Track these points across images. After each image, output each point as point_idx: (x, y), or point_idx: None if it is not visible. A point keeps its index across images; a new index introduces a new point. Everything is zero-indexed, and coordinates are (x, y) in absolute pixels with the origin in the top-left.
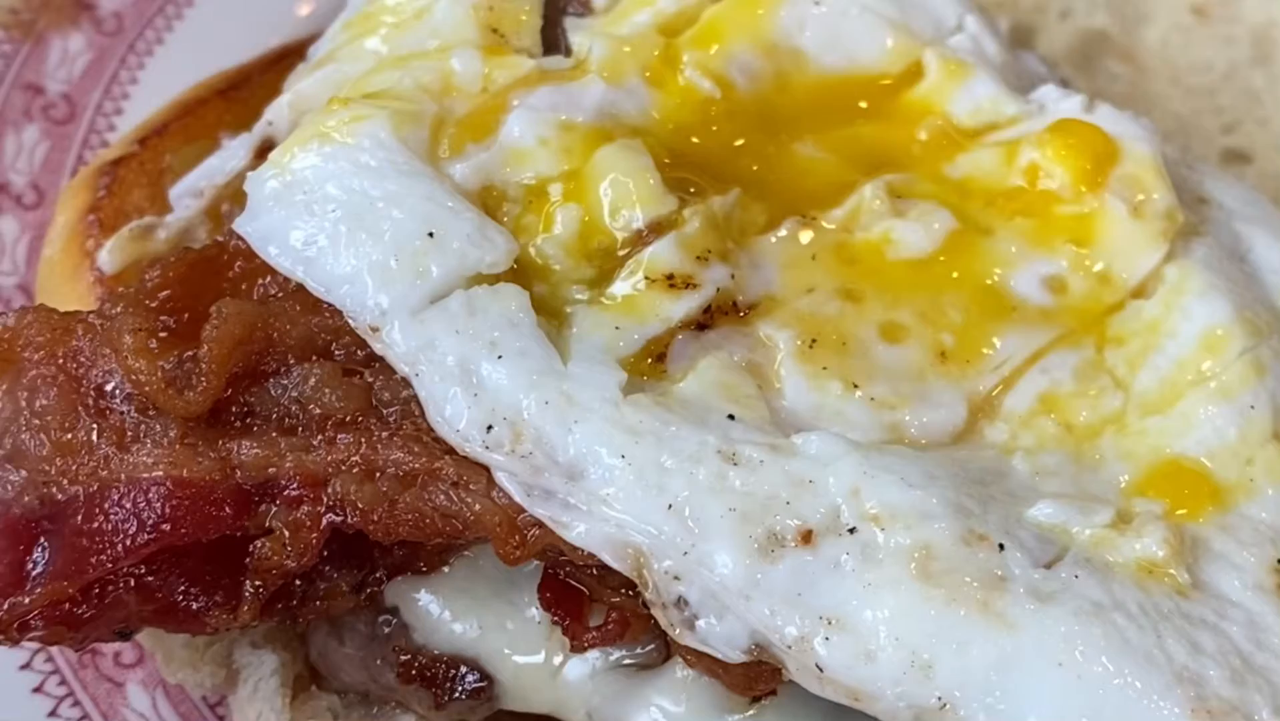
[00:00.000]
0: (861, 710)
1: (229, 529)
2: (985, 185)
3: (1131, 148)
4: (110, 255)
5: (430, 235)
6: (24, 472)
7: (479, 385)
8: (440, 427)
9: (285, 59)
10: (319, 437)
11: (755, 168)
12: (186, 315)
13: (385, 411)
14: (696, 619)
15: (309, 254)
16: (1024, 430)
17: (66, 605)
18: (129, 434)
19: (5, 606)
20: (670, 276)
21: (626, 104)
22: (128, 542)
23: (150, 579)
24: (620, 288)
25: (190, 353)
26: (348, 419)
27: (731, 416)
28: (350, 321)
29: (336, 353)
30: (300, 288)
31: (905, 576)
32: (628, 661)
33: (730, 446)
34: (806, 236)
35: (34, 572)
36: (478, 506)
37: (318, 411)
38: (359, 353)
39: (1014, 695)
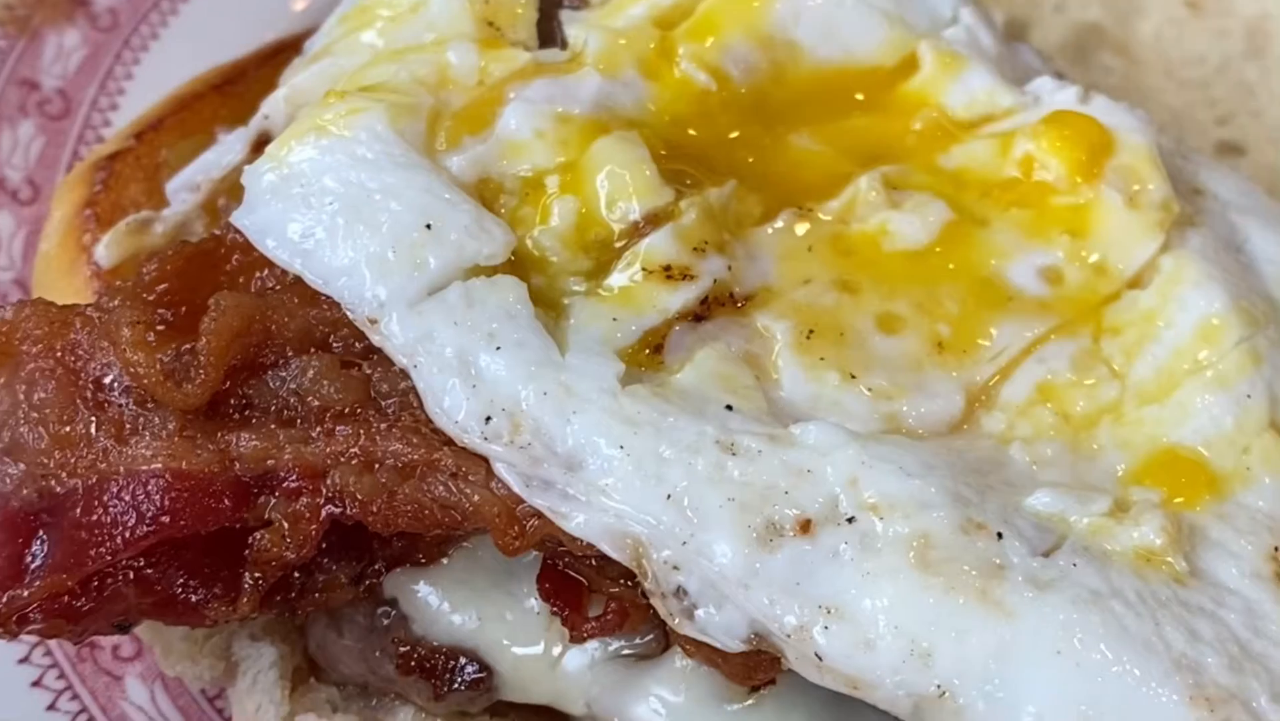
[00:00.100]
0: (861, 698)
1: (228, 521)
2: (981, 176)
3: (1127, 138)
4: (107, 249)
5: (428, 227)
6: (22, 465)
7: (477, 376)
8: (439, 419)
9: (281, 53)
10: (318, 429)
11: (751, 160)
12: (184, 308)
13: (384, 403)
14: (695, 608)
15: (306, 246)
16: (1021, 420)
17: (65, 598)
18: (127, 426)
19: (4, 599)
20: (667, 268)
21: (622, 96)
22: (126, 535)
23: (149, 571)
24: (617, 279)
25: (188, 345)
26: (346, 411)
27: (729, 407)
28: (348, 313)
29: (335, 345)
30: (298, 280)
31: (904, 565)
32: (627, 651)
33: (728, 436)
34: (803, 228)
35: (33, 565)
36: (476, 497)
37: (316, 403)
38: (357, 344)
39: (1013, 683)
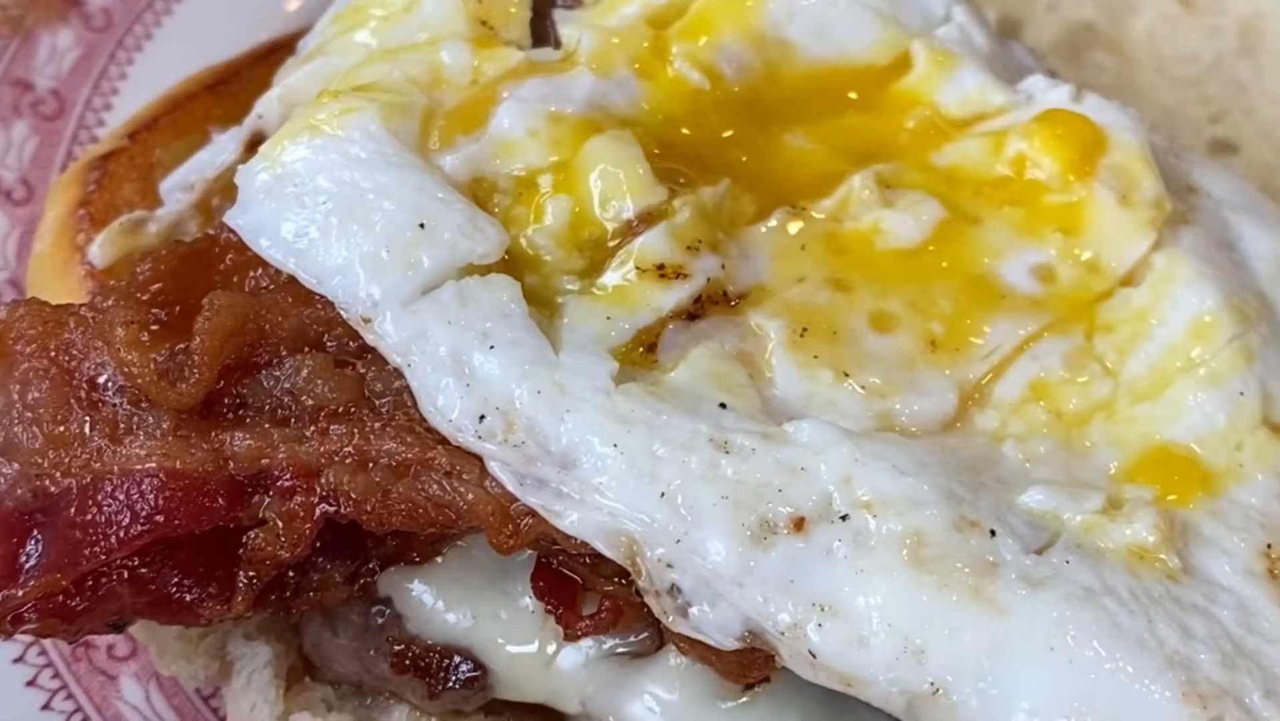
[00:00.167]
0: (854, 696)
1: (222, 520)
2: (974, 175)
3: (1119, 137)
4: (101, 249)
5: (421, 226)
6: (16, 465)
7: (471, 375)
8: (433, 418)
9: (274, 53)
10: (312, 428)
11: (745, 158)
12: (178, 308)
13: (378, 402)
14: (689, 606)
15: (300, 246)
16: (1014, 417)
17: (60, 597)
18: (121, 426)
19: None
20: (661, 266)
21: (616, 95)
22: (121, 534)
23: (144, 570)
24: (611, 278)
25: (182, 345)
26: (340, 410)
27: (723, 405)
28: (342, 312)
29: (329, 344)
30: (292, 279)
31: (897, 563)
32: (621, 650)
33: (722, 435)
34: (796, 226)
35: (27, 565)
36: (471, 496)
37: (310, 402)
38: (351, 344)
39: (1006, 680)
